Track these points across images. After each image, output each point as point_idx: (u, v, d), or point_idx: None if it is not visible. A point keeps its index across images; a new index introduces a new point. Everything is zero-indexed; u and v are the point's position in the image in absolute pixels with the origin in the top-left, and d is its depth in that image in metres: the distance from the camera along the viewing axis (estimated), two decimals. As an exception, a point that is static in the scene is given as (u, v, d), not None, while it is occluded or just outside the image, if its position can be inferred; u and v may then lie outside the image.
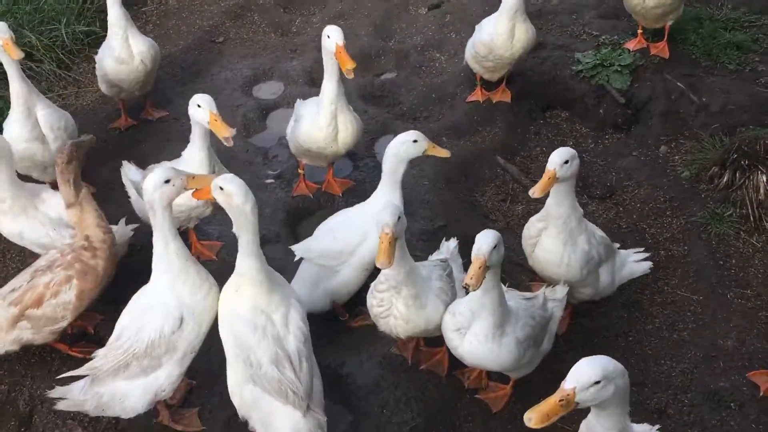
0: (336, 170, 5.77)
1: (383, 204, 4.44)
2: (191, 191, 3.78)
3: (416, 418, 4.24)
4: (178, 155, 4.85)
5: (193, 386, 4.39)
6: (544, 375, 4.24)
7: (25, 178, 5.27)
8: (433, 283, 4.11)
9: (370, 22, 7.45)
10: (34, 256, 4.71)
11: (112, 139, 6.15)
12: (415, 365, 4.48)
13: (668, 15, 6.21)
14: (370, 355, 4.56)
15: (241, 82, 6.81)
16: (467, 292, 3.71)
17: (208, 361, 4.44)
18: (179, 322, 3.75)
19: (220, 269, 4.47)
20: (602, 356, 2.89)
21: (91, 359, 3.91)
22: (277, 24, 7.53)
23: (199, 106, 4.53)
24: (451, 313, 3.97)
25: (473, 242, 3.61)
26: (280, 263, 4.90)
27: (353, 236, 4.54)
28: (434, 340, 4.33)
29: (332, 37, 4.83)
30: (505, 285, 4.23)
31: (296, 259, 4.69)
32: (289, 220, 5.51)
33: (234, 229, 3.57)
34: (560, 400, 2.80)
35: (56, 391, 3.94)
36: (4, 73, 5.17)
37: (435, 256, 4.61)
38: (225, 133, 4.47)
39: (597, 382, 2.81)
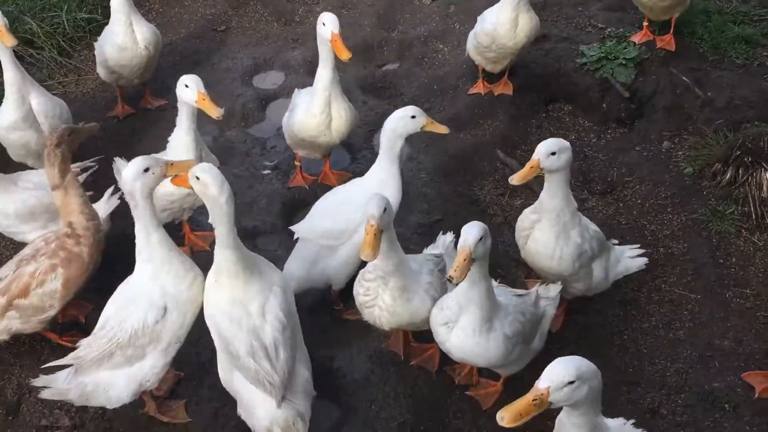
0: (333, 162, 5.71)
1: (380, 179, 4.37)
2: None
3: (405, 413, 4.21)
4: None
5: (181, 378, 4.37)
6: (536, 372, 4.12)
7: (20, 166, 5.29)
8: (423, 277, 4.06)
9: (373, 12, 7.37)
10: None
11: (111, 128, 6.11)
12: (406, 361, 4.44)
13: (676, 7, 6.11)
14: (360, 349, 4.53)
15: (242, 71, 6.76)
16: (451, 284, 3.65)
17: (196, 353, 4.43)
18: (162, 311, 3.72)
19: (213, 260, 4.42)
20: (576, 357, 2.87)
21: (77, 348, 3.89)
22: (279, 13, 7.46)
23: (186, 86, 4.48)
24: (440, 307, 3.93)
25: (470, 236, 3.55)
26: (274, 254, 4.87)
27: (355, 215, 4.43)
28: (426, 335, 4.28)
29: (328, 24, 4.78)
30: (496, 281, 4.18)
31: (294, 238, 4.63)
32: (284, 211, 5.47)
33: (210, 220, 3.53)
34: (534, 400, 2.77)
35: (40, 380, 3.93)
36: (-1, 61, 5.14)
37: (430, 250, 4.54)
38: (213, 112, 4.43)
39: (571, 383, 2.78)
